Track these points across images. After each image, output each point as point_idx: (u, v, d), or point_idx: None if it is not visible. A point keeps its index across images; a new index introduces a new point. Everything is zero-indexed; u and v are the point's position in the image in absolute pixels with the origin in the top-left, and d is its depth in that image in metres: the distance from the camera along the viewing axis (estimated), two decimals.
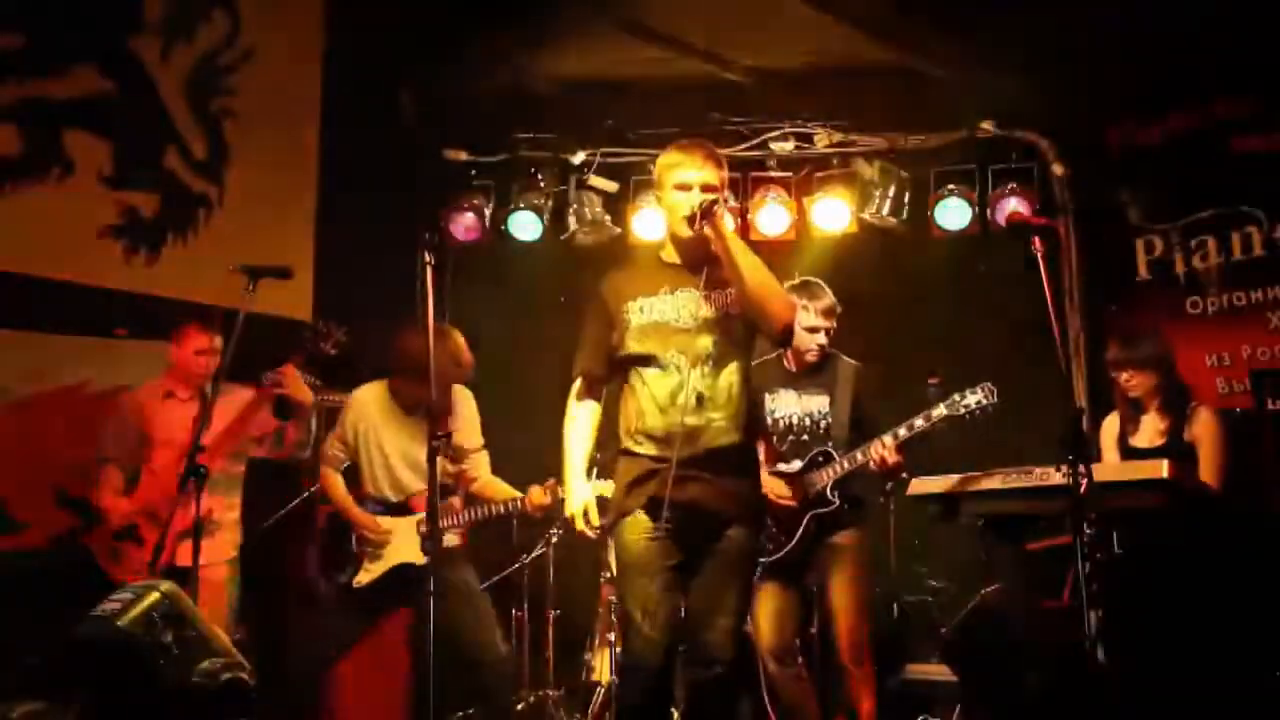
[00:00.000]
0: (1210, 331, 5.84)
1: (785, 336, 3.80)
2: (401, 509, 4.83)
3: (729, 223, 3.66)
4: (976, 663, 4.26)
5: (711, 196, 3.61)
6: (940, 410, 4.45)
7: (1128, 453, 4.77)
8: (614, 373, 3.81)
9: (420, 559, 4.65)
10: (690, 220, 3.62)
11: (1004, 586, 4.67)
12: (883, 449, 4.47)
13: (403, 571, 4.75)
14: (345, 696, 5.23)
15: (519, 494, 4.85)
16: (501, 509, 4.88)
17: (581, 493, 3.78)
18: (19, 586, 4.85)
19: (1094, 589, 3.53)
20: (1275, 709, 4.09)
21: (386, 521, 4.81)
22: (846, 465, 4.59)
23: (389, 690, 5.24)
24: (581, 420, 3.85)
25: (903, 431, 4.48)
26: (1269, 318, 5.69)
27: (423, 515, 4.74)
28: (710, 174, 3.65)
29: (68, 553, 4.91)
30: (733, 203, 6.26)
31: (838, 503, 4.60)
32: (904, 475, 4.62)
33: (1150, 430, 4.71)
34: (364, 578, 4.80)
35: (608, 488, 4.19)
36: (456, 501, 4.97)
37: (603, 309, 3.80)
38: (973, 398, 4.41)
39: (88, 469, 4.91)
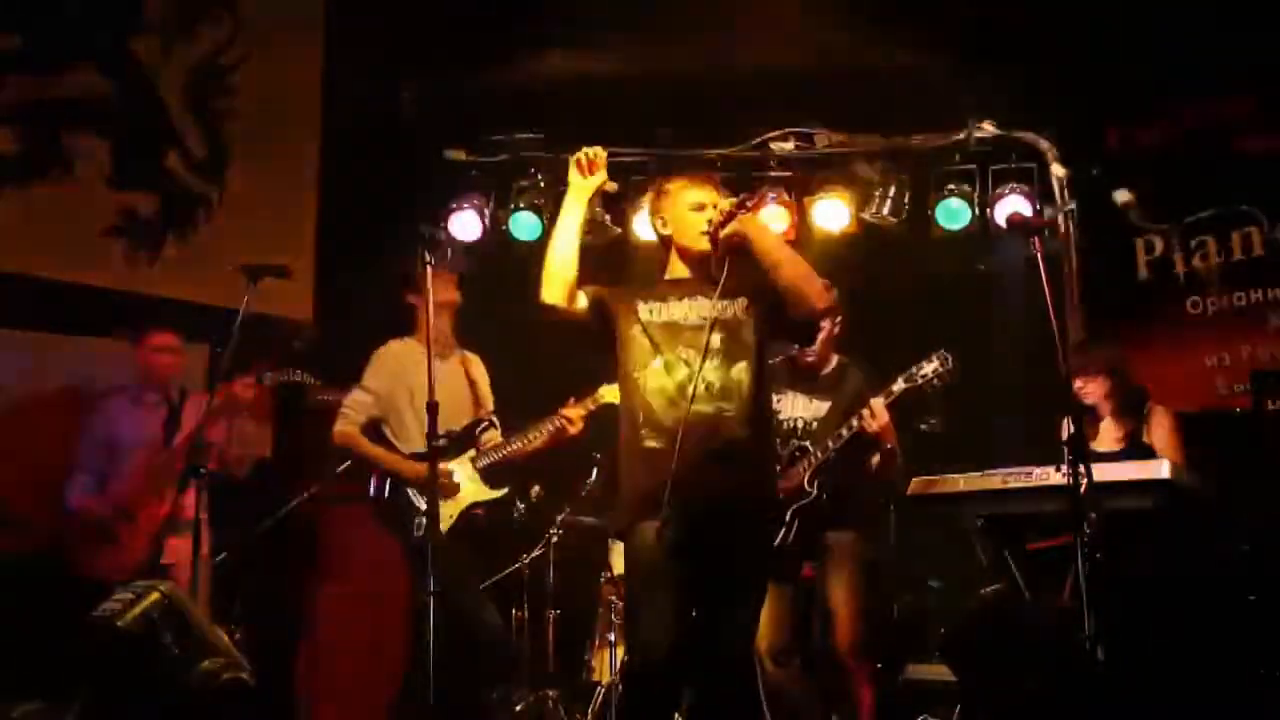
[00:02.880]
0: (1210, 331, 5.84)
1: (815, 322, 3.78)
2: (447, 451, 4.70)
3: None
4: (976, 663, 4.26)
5: (734, 200, 3.65)
6: (899, 384, 4.50)
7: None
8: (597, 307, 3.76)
9: (487, 494, 4.72)
10: (714, 230, 3.63)
11: (1004, 586, 4.67)
12: (871, 411, 4.51)
13: (473, 510, 4.73)
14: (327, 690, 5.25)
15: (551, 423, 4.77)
16: (545, 433, 4.78)
17: None
18: (19, 587, 4.85)
19: (1094, 589, 3.53)
20: (1275, 709, 4.09)
21: (446, 465, 4.65)
22: (820, 455, 4.60)
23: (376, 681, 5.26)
24: None
25: (881, 399, 4.51)
26: (1269, 318, 5.69)
27: (474, 452, 4.73)
28: (720, 199, 3.72)
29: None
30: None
31: (815, 493, 4.59)
32: (890, 445, 4.62)
33: (1108, 436, 4.72)
34: (445, 524, 4.67)
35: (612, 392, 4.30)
36: (495, 435, 4.89)
37: (613, 289, 3.82)
38: (929, 366, 4.49)
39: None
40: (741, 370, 3.62)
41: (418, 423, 4.67)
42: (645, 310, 3.72)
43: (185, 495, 4.47)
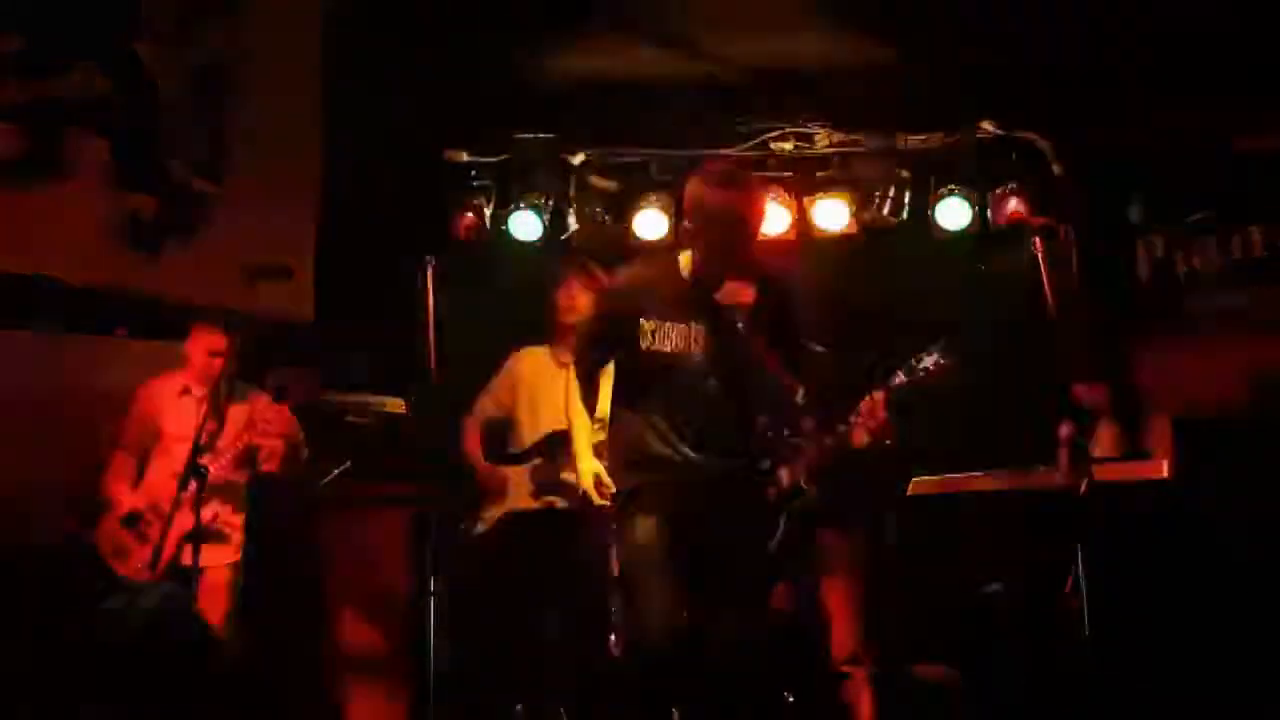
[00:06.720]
0: (1210, 331, 5.83)
1: None
2: (521, 458, 4.93)
3: None
4: (976, 663, 4.26)
5: None
6: (900, 379, 4.32)
7: None
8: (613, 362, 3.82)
9: (529, 504, 4.87)
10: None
11: (1004, 586, 4.67)
12: (871, 404, 4.23)
13: (518, 518, 4.90)
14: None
15: None
16: None
17: (590, 464, 3.89)
18: (22, 587, 4.85)
19: (1094, 589, 3.54)
20: (1275, 709, 4.10)
21: (505, 470, 4.95)
22: (815, 453, 4.47)
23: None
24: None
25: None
26: (1269, 318, 5.69)
27: (539, 461, 4.84)
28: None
29: (70, 552, 4.90)
30: None
31: (816, 494, 4.47)
32: (889, 441, 4.47)
33: (1107, 441, 4.71)
34: (481, 528, 4.98)
35: None
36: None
37: (611, 310, 3.81)
38: (928, 359, 4.28)
39: (89, 468, 4.91)
40: (733, 407, 3.68)
41: (528, 427, 5.01)
42: (648, 333, 3.67)
43: (210, 501, 4.47)
